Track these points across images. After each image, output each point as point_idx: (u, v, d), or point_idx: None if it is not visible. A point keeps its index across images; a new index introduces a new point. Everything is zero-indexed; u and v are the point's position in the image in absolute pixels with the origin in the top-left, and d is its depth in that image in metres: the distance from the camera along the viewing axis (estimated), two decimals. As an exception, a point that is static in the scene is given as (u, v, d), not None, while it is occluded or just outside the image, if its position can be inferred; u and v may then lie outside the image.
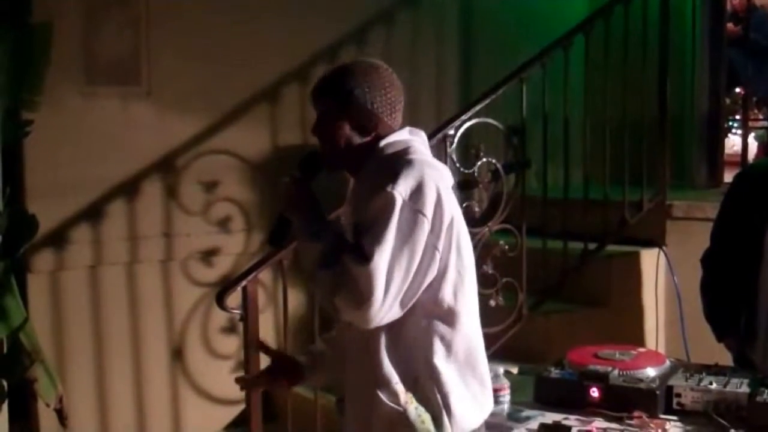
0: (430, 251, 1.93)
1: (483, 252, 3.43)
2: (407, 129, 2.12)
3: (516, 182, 3.57)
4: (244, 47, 4.07)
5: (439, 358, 2.00)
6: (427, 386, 2.00)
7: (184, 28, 3.98)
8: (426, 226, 1.92)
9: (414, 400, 1.99)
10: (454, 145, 3.38)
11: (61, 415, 3.58)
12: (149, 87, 3.97)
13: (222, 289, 3.19)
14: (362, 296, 1.87)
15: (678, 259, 3.88)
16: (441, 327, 2.01)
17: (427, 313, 1.99)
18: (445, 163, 3.37)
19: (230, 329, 4.10)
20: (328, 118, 2.07)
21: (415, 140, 2.09)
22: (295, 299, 3.90)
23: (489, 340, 3.44)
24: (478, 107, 3.44)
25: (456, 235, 2.00)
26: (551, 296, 3.71)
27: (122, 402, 3.98)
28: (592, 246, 3.85)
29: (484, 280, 3.42)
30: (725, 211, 3.05)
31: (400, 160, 2.00)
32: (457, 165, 3.40)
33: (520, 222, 3.56)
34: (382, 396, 1.99)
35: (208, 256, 4.12)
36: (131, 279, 3.98)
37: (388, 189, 1.91)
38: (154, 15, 3.94)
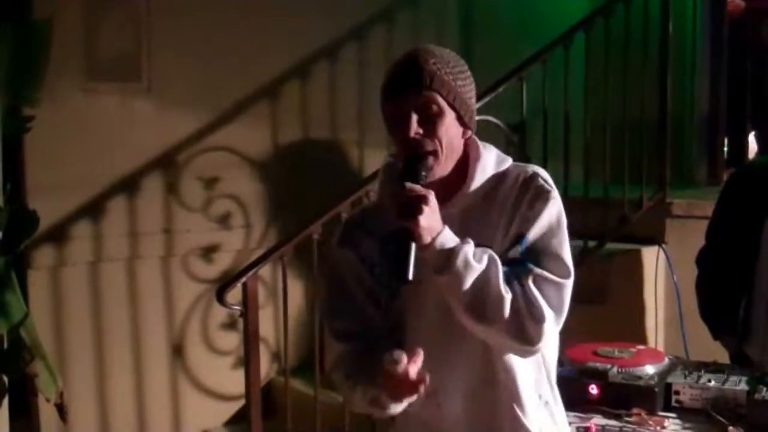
0: None
1: None
2: None
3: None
4: (245, 44, 4.07)
5: (554, 376, 1.87)
6: (551, 409, 1.86)
7: (184, 25, 3.98)
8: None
9: (548, 424, 1.85)
10: (455, 143, 3.36)
11: (62, 411, 3.58)
12: (149, 83, 3.98)
13: (222, 285, 3.20)
14: (559, 315, 1.70)
15: (678, 257, 3.88)
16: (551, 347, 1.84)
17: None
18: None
19: (230, 325, 4.11)
20: (436, 113, 1.73)
21: None
22: (295, 295, 3.91)
23: None
24: (478, 105, 3.42)
25: None
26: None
27: (122, 397, 3.99)
28: (591, 244, 3.85)
29: None
30: (722, 208, 3.05)
31: (519, 166, 1.83)
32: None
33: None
34: (524, 421, 1.80)
35: (209, 252, 4.13)
36: (131, 275, 3.99)
37: (555, 197, 1.76)
38: (155, 11, 3.94)
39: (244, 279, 3.16)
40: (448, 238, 1.67)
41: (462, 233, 1.70)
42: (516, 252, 1.72)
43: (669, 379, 2.59)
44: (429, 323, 1.80)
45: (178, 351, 4.11)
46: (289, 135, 4.28)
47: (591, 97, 3.97)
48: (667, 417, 2.49)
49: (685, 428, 2.45)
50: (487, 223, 1.77)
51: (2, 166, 3.51)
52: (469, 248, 1.66)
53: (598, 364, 2.67)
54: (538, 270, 1.69)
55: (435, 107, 1.73)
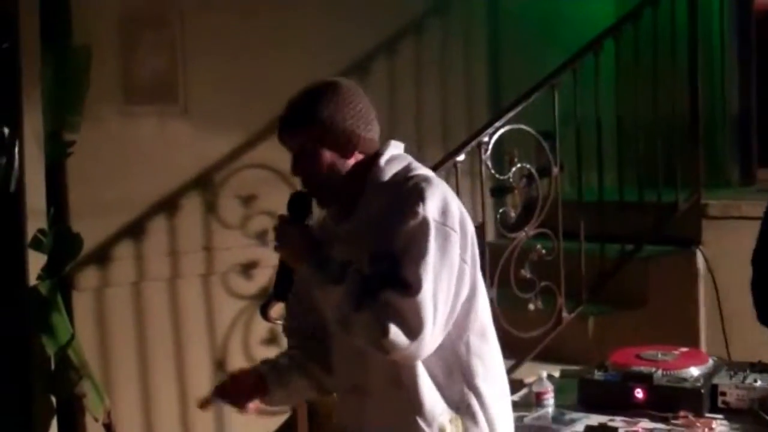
0: (460, 266, 1.87)
1: (520, 256, 3.45)
2: (393, 141, 2.02)
3: (550, 186, 3.59)
4: (278, 63, 4.12)
5: (481, 379, 1.94)
6: (471, 411, 1.93)
7: (218, 47, 4.03)
8: (457, 242, 1.86)
9: (460, 428, 1.92)
10: (489, 152, 3.40)
11: (110, 429, 3.64)
12: (186, 105, 4.03)
13: (266, 301, 3.23)
14: (414, 329, 1.77)
15: (715, 258, 3.88)
16: (476, 344, 1.94)
17: (462, 332, 1.93)
18: (480, 169, 3.43)
19: (271, 340, 4.14)
20: (306, 151, 1.95)
21: (407, 153, 2.02)
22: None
23: (529, 344, 3.54)
24: (511, 113, 3.46)
25: (473, 245, 1.93)
26: (589, 299, 3.70)
27: (167, 414, 4.02)
28: (628, 248, 3.85)
29: (522, 285, 3.45)
30: None
31: (413, 177, 1.92)
32: (492, 171, 3.43)
33: (556, 225, 3.57)
34: (426, 429, 1.90)
35: (248, 268, 4.16)
36: (173, 294, 4.03)
37: (419, 211, 1.82)
38: (189, 35, 3.99)
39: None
40: (313, 263, 1.87)
41: (354, 248, 1.89)
42: (380, 265, 1.83)
43: (714, 381, 2.60)
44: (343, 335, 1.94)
45: (220, 366, 4.14)
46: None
47: (622, 101, 3.98)
48: (715, 418, 2.50)
49: (733, 429, 2.46)
50: (377, 234, 1.87)
51: (46, 190, 3.58)
52: (329, 268, 1.85)
53: (642, 368, 2.68)
54: (391, 287, 1.79)
55: (305, 148, 1.95)
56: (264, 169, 4.17)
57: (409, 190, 1.87)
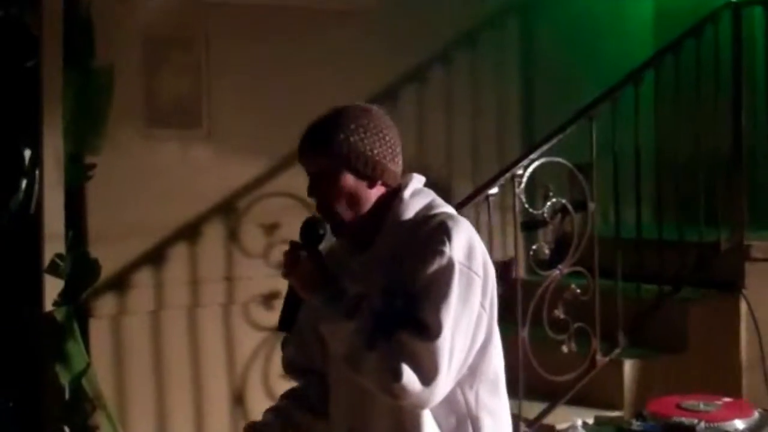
0: (479, 313, 1.78)
1: (554, 296, 3.33)
2: (415, 175, 1.95)
3: (585, 222, 3.47)
4: (303, 90, 4.03)
5: (490, 427, 1.84)
6: None
7: (243, 71, 3.96)
8: (479, 287, 1.78)
9: None
10: (523, 185, 3.29)
11: (122, 463, 3.54)
12: (209, 129, 3.95)
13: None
14: (428, 375, 1.67)
15: (758, 302, 3.72)
16: (486, 396, 1.85)
17: (472, 381, 1.83)
18: (513, 203, 3.32)
19: (291, 374, 4.03)
20: (328, 174, 1.84)
21: (429, 189, 1.93)
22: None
23: (562, 387, 3.40)
24: (546, 146, 3.34)
25: (493, 291, 1.83)
26: (626, 342, 3.55)
27: (183, 447, 3.92)
28: (667, 289, 3.71)
29: (555, 326, 3.32)
30: None
31: (438, 215, 1.83)
32: (526, 205, 3.31)
33: (591, 263, 3.43)
34: None
35: (269, 299, 4.05)
36: (192, 323, 3.94)
37: (446, 251, 1.73)
38: (214, 58, 3.93)
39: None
40: (324, 294, 1.77)
41: (366, 283, 1.79)
42: (400, 305, 1.74)
43: (762, 436, 2.45)
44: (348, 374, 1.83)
45: (239, 399, 4.04)
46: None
47: (662, 135, 3.86)
48: (763, 477, 2.35)
49: (782, 490, 2.30)
50: (393, 271, 1.80)
51: (64, 214, 3.50)
52: (342, 301, 1.75)
53: (683, 419, 2.57)
54: (408, 330, 1.69)
55: (326, 171, 1.85)
56: (288, 197, 4.07)
57: (434, 229, 1.79)
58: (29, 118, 3.47)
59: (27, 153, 3.56)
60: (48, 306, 3.44)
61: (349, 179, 1.84)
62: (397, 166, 1.90)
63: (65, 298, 3.47)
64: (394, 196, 1.88)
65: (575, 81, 4.53)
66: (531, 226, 3.80)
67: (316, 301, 1.79)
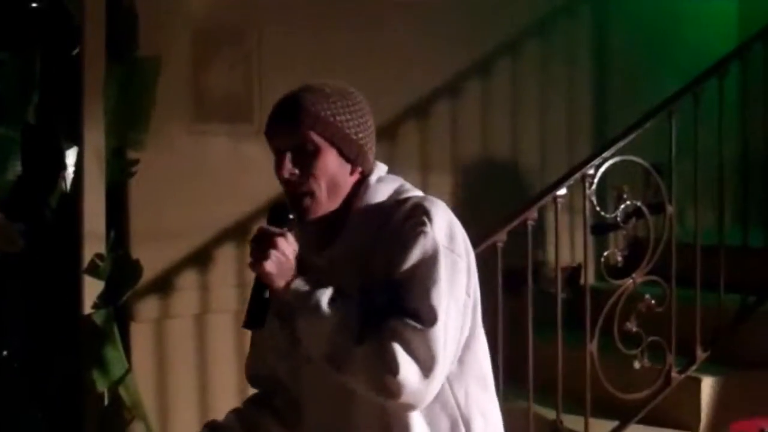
0: (464, 299, 1.64)
1: (626, 306, 3.12)
2: (378, 163, 1.80)
3: (662, 227, 3.21)
4: (361, 82, 3.81)
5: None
6: None
7: (296, 64, 3.78)
8: (464, 272, 1.64)
9: None
10: (594, 186, 3.04)
11: (163, 476, 3.39)
12: (260, 125, 3.76)
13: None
14: (427, 367, 1.53)
15: None
16: (477, 395, 1.71)
17: (460, 376, 1.69)
18: (584, 205, 3.07)
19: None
20: (312, 150, 1.67)
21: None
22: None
23: (633, 407, 3.15)
24: (621, 143, 3.10)
25: (475, 278, 1.69)
26: (704, 357, 3.32)
27: (229, 459, 3.76)
28: (751, 299, 3.46)
29: (627, 339, 3.11)
30: None
31: (410, 198, 1.69)
32: (597, 208, 3.07)
33: (667, 272, 3.19)
34: None
35: (320, 302, 3.88)
36: (240, 328, 3.75)
37: (427, 231, 1.59)
38: (267, 50, 3.76)
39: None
40: (300, 285, 1.60)
41: (336, 278, 1.63)
42: (383, 296, 1.59)
43: None
44: (324, 378, 1.66)
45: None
46: (406, 177, 4.02)
47: (747, 132, 3.57)
48: None
49: None
50: (368, 262, 1.65)
51: (106, 212, 3.36)
52: (323, 295, 1.58)
53: (773, 450, 2.28)
54: (399, 318, 1.55)
55: (310, 145, 1.67)
56: (342, 197, 3.88)
57: (411, 210, 1.65)
58: (71, 111, 3.35)
59: (70, 148, 3.43)
60: (87, 309, 3.32)
61: (334, 159, 1.69)
62: (373, 156, 1.78)
63: (105, 300, 3.35)
64: (359, 185, 1.74)
65: (651, 74, 4.36)
66: (602, 230, 3.63)
67: (290, 293, 1.60)
